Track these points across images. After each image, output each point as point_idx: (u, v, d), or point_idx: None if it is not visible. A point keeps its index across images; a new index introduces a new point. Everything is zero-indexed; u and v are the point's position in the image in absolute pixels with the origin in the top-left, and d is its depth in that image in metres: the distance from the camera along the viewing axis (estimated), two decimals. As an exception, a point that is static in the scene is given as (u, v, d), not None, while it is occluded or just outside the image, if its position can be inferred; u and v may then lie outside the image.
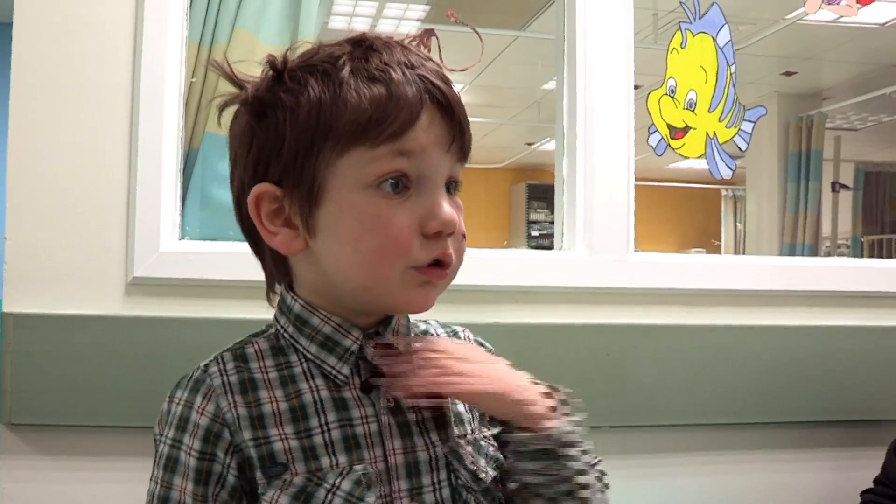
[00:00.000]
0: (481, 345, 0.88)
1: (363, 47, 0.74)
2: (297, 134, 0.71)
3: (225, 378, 0.74)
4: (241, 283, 1.21)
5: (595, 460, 0.79)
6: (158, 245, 1.22)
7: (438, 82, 0.73)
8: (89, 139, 1.22)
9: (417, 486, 0.73)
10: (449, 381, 0.73)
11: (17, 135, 1.20)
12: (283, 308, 0.79)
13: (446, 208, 0.72)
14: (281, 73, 0.74)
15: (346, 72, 0.71)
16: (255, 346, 0.77)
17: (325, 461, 0.71)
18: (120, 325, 1.20)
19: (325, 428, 0.73)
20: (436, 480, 0.74)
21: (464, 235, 0.76)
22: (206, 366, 0.75)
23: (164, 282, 1.23)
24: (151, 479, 0.74)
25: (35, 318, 1.18)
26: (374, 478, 0.71)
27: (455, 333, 0.88)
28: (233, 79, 0.77)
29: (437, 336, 0.86)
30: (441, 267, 0.74)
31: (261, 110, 0.74)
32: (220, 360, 0.75)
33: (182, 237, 1.28)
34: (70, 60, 1.22)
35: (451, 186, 0.76)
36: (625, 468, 1.40)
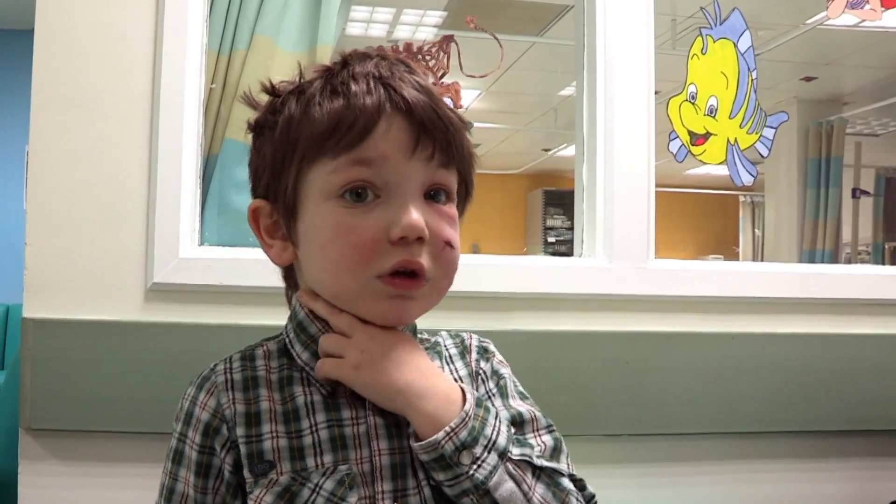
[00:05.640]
0: (485, 349, 0.87)
1: (340, 64, 0.76)
2: (274, 150, 0.76)
3: (229, 376, 0.77)
4: (260, 290, 1.21)
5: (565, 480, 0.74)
6: (178, 251, 1.22)
7: (407, 89, 0.73)
8: (109, 146, 1.23)
9: (402, 489, 0.73)
10: (336, 371, 0.74)
11: (38, 142, 1.21)
12: (291, 314, 0.82)
13: (412, 213, 0.71)
14: (275, 96, 0.78)
15: (314, 88, 0.74)
16: (265, 348, 0.80)
17: (310, 461, 0.73)
18: (139, 330, 1.20)
19: (314, 428, 0.74)
20: (422, 479, 0.73)
21: (449, 244, 0.75)
22: (215, 365, 0.79)
23: (183, 288, 1.23)
24: (163, 471, 0.78)
25: (55, 323, 1.18)
26: (357, 478, 0.72)
27: (462, 341, 0.87)
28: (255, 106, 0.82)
29: (445, 346, 0.85)
30: (410, 277, 0.72)
31: (257, 132, 0.79)
32: (228, 360, 0.79)
33: (201, 243, 1.28)
34: (90, 68, 1.22)
35: (439, 195, 0.75)
36: (643, 476, 1.39)
